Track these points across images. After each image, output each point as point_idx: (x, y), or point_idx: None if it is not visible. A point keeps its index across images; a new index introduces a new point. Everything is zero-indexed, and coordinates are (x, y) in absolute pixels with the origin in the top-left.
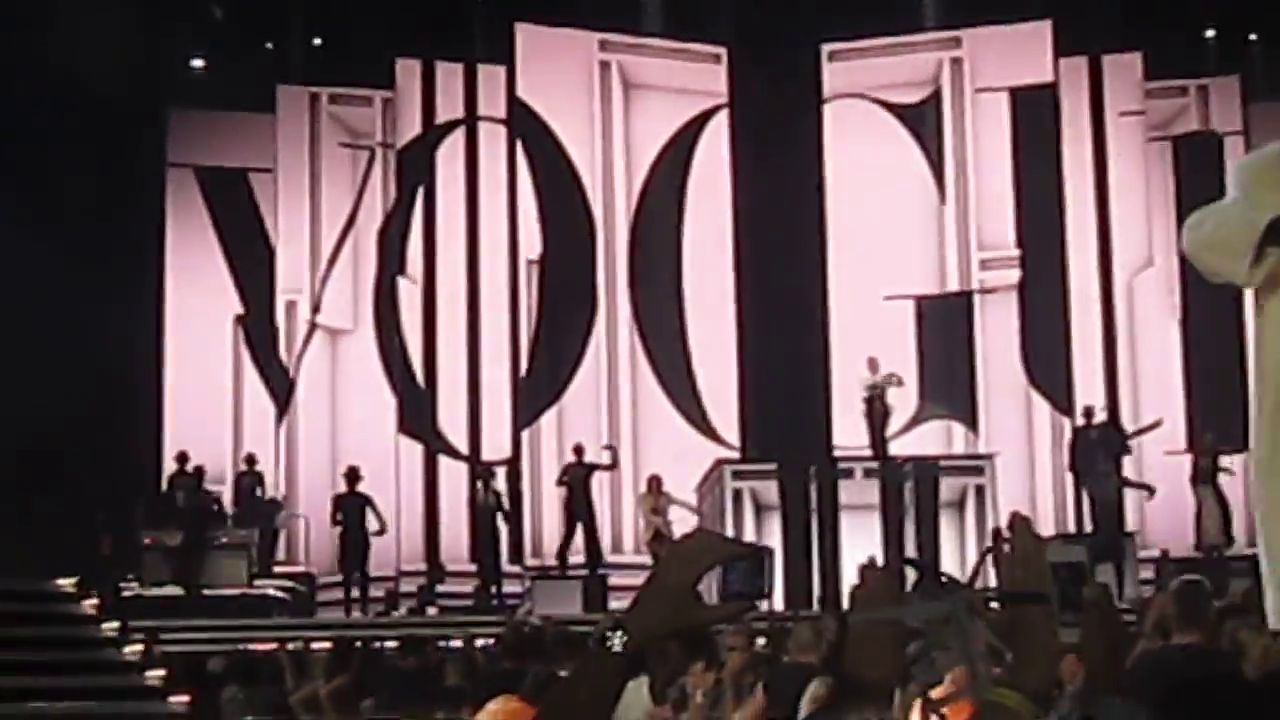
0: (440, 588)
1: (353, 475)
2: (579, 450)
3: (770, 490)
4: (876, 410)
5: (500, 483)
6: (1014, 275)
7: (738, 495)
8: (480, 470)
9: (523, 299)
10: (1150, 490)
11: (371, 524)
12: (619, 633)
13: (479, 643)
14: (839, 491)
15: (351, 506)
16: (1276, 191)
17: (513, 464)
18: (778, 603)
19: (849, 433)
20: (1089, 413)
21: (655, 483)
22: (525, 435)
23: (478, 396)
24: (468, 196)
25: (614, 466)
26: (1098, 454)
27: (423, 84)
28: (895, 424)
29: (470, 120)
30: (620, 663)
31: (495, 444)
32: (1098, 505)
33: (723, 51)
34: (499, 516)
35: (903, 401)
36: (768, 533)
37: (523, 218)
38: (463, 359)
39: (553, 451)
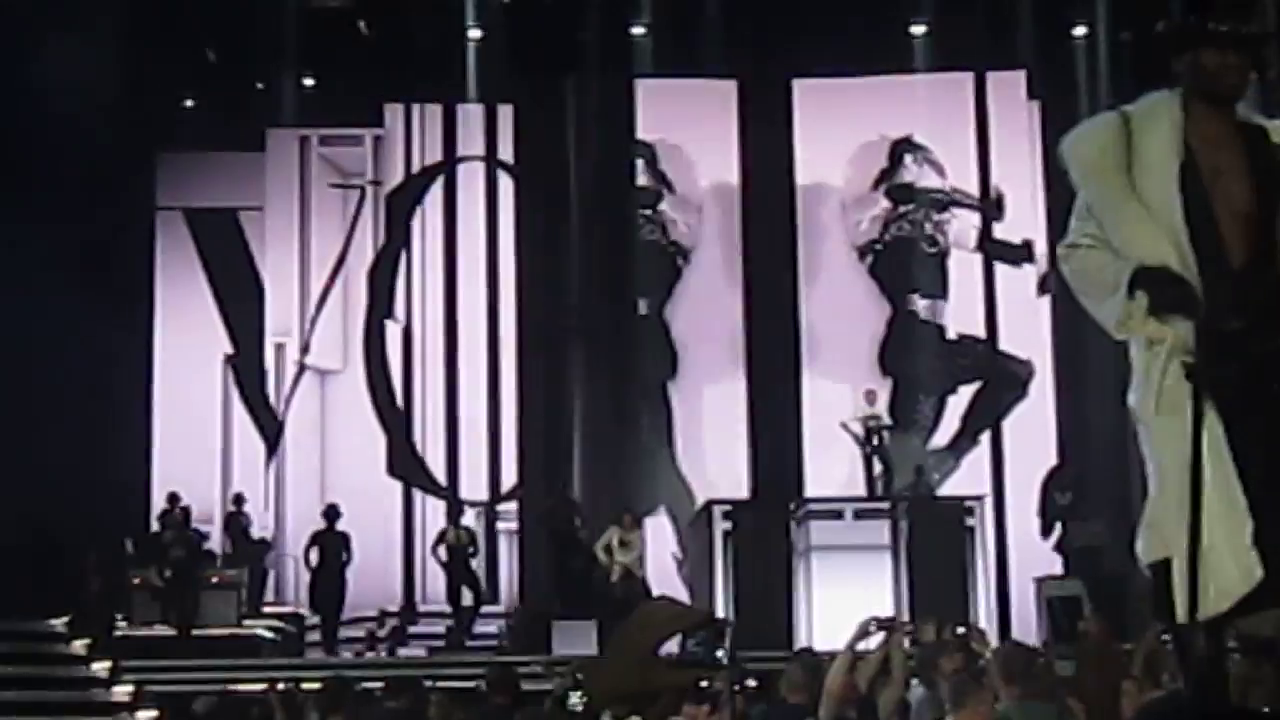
0: (416, 629)
1: (331, 513)
2: (562, 486)
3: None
4: (872, 445)
5: (470, 520)
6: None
7: (726, 536)
8: (451, 509)
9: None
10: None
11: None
12: (578, 692)
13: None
14: (809, 534)
15: (330, 544)
16: (1118, 174)
17: (490, 506)
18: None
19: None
20: (1064, 451)
21: (630, 520)
22: (513, 475)
23: (456, 437)
24: (446, 239)
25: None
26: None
27: (407, 126)
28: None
29: (450, 163)
30: None
31: (476, 485)
32: (1073, 545)
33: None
34: (469, 557)
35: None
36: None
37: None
38: (442, 401)
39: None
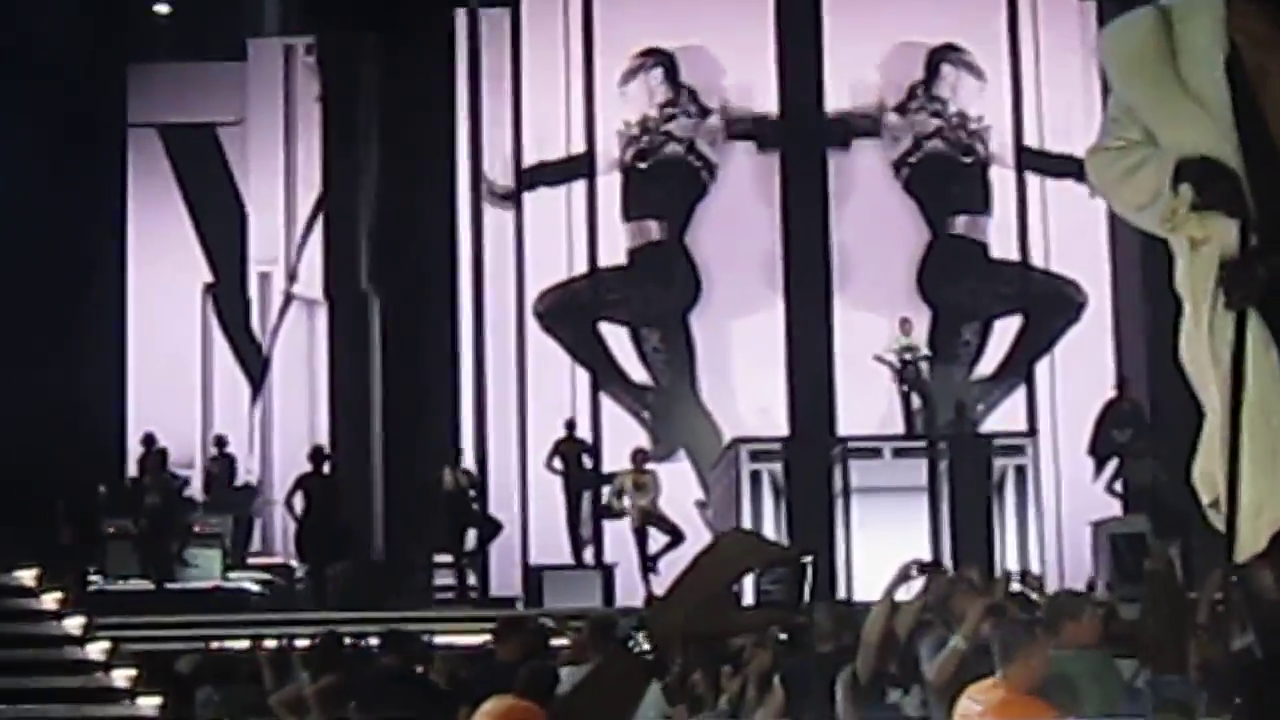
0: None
1: (318, 455)
2: (570, 425)
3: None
4: (910, 378)
5: (469, 462)
6: None
7: (755, 477)
8: (449, 451)
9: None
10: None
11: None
12: (642, 633)
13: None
14: (850, 474)
15: (319, 489)
16: (1162, 64)
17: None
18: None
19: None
20: (1122, 384)
21: (640, 457)
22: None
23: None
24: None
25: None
26: (1130, 430)
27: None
28: None
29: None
30: (643, 665)
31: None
32: (1131, 485)
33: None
34: (470, 501)
35: None
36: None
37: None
38: None
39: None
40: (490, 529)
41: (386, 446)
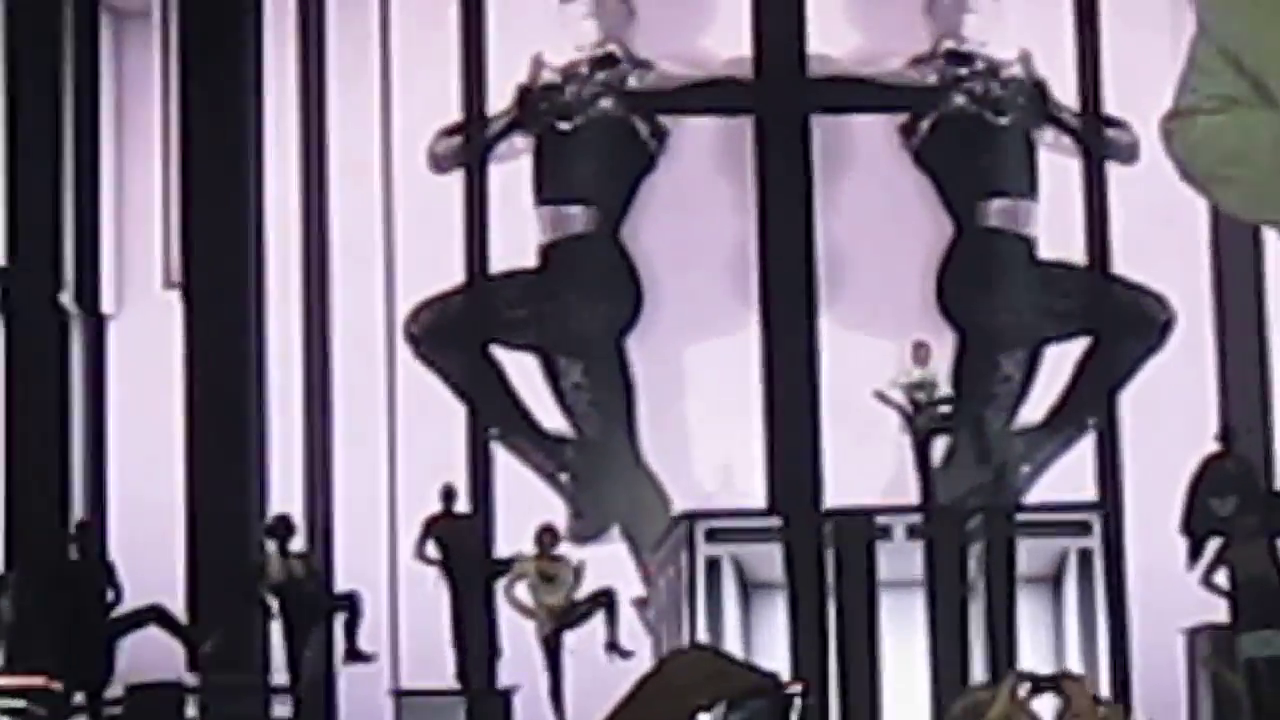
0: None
1: (83, 532)
2: (449, 495)
3: (763, 558)
4: (926, 426)
5: (300, 543)
6: None
7: (714, 566)
8: (274, 524)
9: None
10: None
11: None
12: None
13: None
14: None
15: (75, 577)
16: None
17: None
18: None
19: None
20: (1227, 435)
21: (548, 537)
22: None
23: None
24: None
25: None
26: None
27: None
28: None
29: None
30: None
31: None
32: (1240, 575)
33: None
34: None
35: None
36: (761, 623)
37: None
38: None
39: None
40: (349, 644)
41: (191, 516)
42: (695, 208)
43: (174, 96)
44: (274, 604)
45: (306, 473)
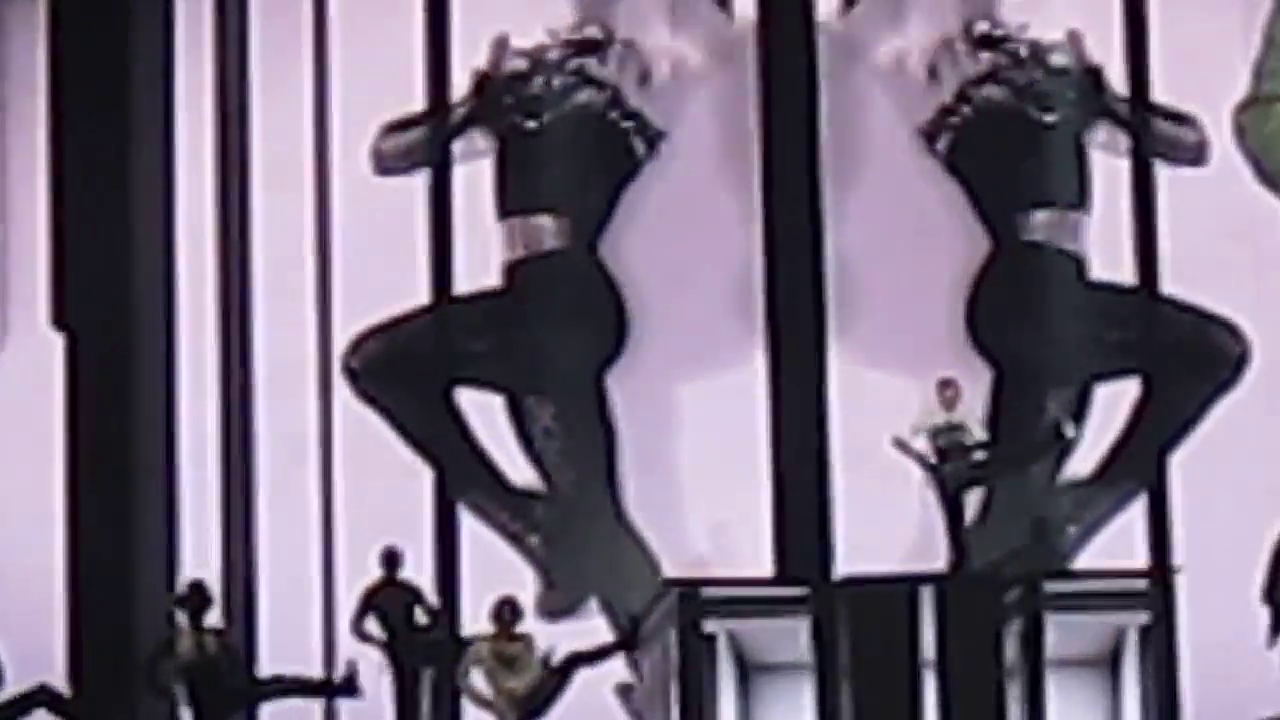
0: None
1: None
2: (391, 560)
3: (766, 635)
4: (955, 477)
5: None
6: None
7: (710, 646)
8: (186, 594)
9: None
10: None
11: None
12: None
13: None
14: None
15: None
16: None
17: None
18: None
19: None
20: None
21: (507, 610)
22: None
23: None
24: None
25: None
26: None
27: None
28: None
29: None
30: None
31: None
32: None
33: None
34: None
35: None
36: (764, 712)
37: None
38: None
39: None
40: None
41: (73, 585)
42: (691, 221)
43: (62, 90)
44: (182, 690)
45: (224, 533)
